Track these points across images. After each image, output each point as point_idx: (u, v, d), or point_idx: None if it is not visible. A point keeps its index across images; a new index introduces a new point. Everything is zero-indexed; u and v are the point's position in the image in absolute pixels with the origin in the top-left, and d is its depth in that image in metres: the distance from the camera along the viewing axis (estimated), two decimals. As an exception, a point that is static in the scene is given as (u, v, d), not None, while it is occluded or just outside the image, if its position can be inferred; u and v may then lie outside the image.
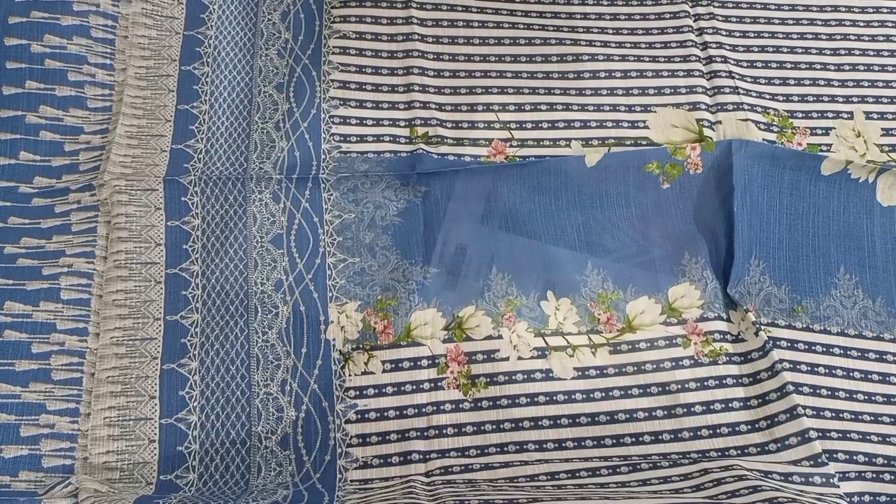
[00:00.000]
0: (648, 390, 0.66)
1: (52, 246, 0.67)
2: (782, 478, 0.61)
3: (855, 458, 0.64)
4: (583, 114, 0.75)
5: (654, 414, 0.65)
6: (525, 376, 0.67)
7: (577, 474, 0.62)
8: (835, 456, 0.64)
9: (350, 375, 0.66)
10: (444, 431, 0.64)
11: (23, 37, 0.72)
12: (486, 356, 0.67)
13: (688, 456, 0.63)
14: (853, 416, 0.66)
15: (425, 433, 0.64)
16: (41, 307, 0.65)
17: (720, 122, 0.75)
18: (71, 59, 0.73)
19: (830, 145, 0.75)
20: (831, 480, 0.61)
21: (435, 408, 0.65)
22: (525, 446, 0.64)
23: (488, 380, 0.66)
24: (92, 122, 0.72)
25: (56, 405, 0.63)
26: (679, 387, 0.66)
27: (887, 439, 0.65)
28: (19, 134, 0.70)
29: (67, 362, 0.64)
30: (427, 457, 0.63)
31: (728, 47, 0.79)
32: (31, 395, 0.63)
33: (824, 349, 0.69)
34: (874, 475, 0.63)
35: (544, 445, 0.64)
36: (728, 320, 0.69)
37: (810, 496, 0.58)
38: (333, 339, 0.66)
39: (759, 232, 0.72)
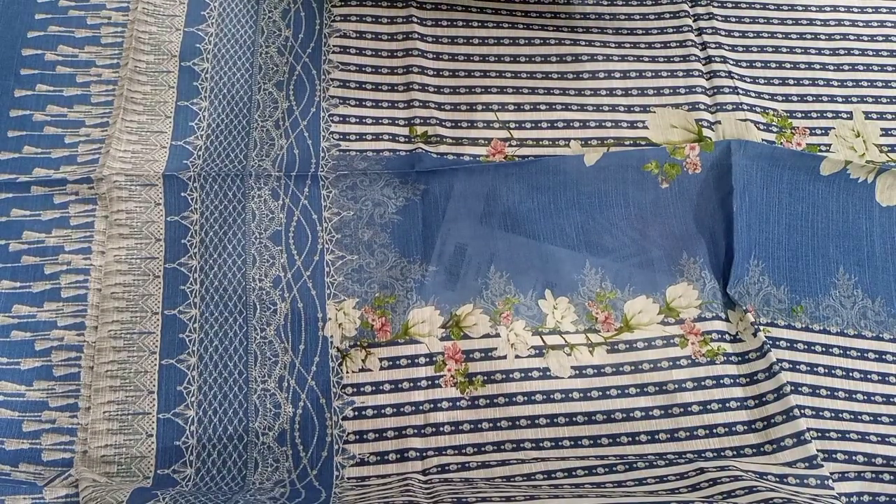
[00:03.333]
0: (645, 389, 0.66)
1: (51, 241, 0.68)
2: (777, 479, 0.60)
3: (854, 458, 0.64)
4: (582, 114, 0.76)
5: (650, 413, 0.65)
6: (522, 374, 0.67)
7: (574, 473, 0.62)
8: (834, 456, 0.64)
9: (348, 372, 0.66)
10: (441, 429, 0.64)
11: (39, 48, 0.75)
12: (483, 354, 0.67)
13: (683, 456, 0.63)
14: (852, 416, 0.66)
15: (422, 430, 0.64)
16: (45, 307, 0.66)
17: (719, 123, 0.75)
18: (81, 64, 0.75)
19: (830, 145, 0.75)
20: (826, 482, 0.61)
21: (432, 405, 0.65)
22: (522, 444, 0.64)
23: (486, 378, 0.66)
24: (93, 115, 0.73)
25: (58, 402, 0.63)
26: (676, 386, 0.66)
27: (886, 439, 0.64)
28: (25, 131, 0.72)
29: (66, 357, 0.65)
30: (424, 454, 0.63)
31: (727, 47, 0.79)
32: (35, 394, 0.63)
33: (823, 349, 0.68)
34: (873, 475, 0.63)
35: (541, 444, 0.64)
36: (726, 320, 0.69)
37: (805, 497, 0.58)
38: (331, 336, 0.67)
39: (758, 232, 0.72)
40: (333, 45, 0.77)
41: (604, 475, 0.62)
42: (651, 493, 0.59)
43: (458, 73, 0.77)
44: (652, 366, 0.67)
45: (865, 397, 0.67)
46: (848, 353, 0.68)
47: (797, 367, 0.67)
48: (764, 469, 0.61)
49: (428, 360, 0.67)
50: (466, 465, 0.63)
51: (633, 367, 0.67)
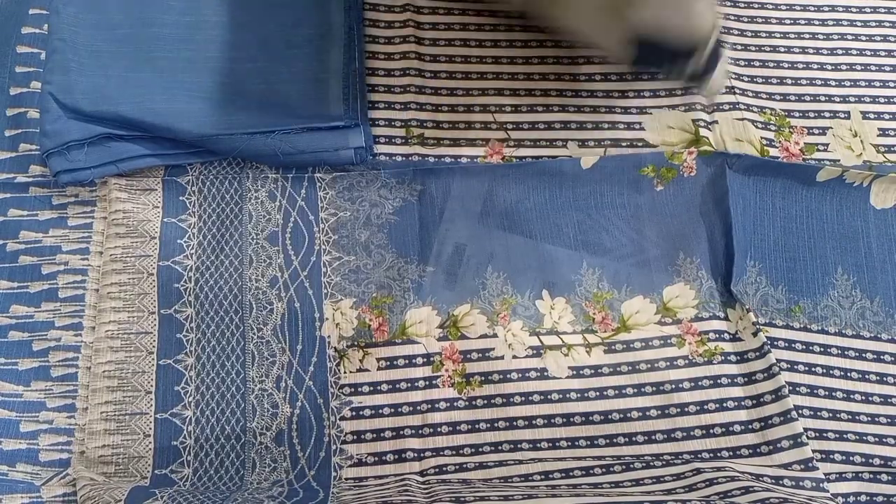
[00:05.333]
0: (643, 390, 0.66)
1: (48, 240, 0.69)
2: (773, 481, 0.60)
3: (851, 458, 0.64)
4: (579, 115, 0.76)
5: (647, 414, 0.65)
6: (520, 375, 0.66)
7: (571, 473, 0.62)
8: (831, 457, 0.63)
9: (345, 372, 0.66)
10: (439, 430, 0.64)
11: (34, 45, 0.75)
12: (481, 355, 0.67)
13: (680, 456, 0.63)
14: (850, 417, 0.65)
15: (420, 431, 0.64)
16: (42, 308, 0.66)
17: (716, 122, 0.75)
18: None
19: (828, 145, 0.75)
20: (821, 485, 0.61)
21: (430, 406, 0.65)
22: (519, 445, 0.64)
23: (483, 378, 0.66)
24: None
25: (56, 402, 0.64)
26: (673, 386, 0.66)
27: (884, 440, 0.64)
28: (20, 129, 0.72)
29: (63, 358, 0.65)
30: (422, 455, 0.63)
31: (726, 45, 0.79)
32: (33, 394, 0.64)
33: (822, 349, 0.68)
34: (871, 476, 0.63)
35: (538, 444, 0.64)
36: (725, 319, 0.69)
37: (801, 498, 0.58)
38: (328, 336, 0.67)
39: (753, 234, 0.72)
40: (331, 47, 0.78)
41: (601, 475, 0.62)
42: (648, 494, 0.59)
43: (456, 75, 0.77)
44: (649, 366, 0.67)
45: (863, 398, 0.66)
46: (846, 353, 0.68)
47: (795, 367, 0.67)
48: (760, 471, 0.61)
49: (425, 360, 0.67)
50: (464, 465, 0.63)
51: (630, 368, 0.67)
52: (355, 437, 0.64)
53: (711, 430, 0.64)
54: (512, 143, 0.74)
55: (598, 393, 0.66)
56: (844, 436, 0.65)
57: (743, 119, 0.75)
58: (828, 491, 0.60)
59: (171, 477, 0.61)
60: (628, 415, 0.65)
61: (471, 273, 0.70)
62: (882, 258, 0.71)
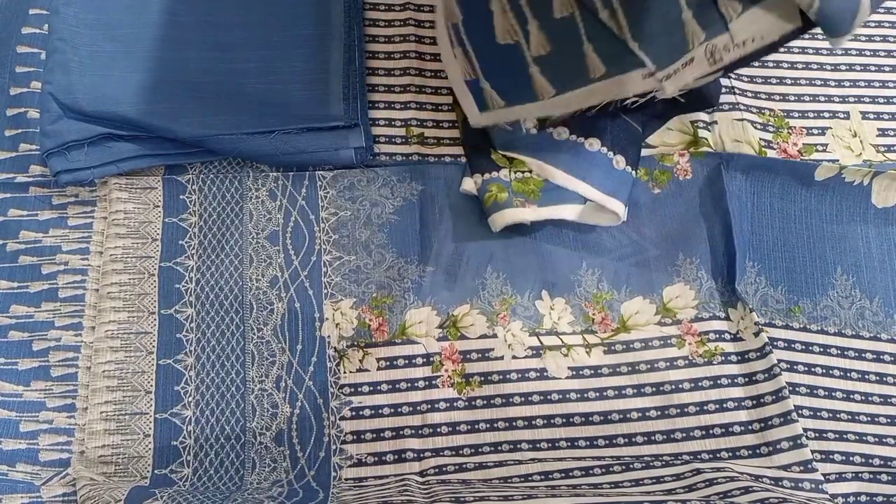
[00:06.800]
0: (642, 390, 0.66)
1: (48, 240, 0.69)
2: (772, 482, 0.60)
3: (851, 458, 0.64)
4: (579, 114, 0.75)
5: (647, 414, 0.65)
6: (519, 375, 0.66)
7: (571, 474, 0.62)
8: (831, 457, 0.63)
9: (345, 372, 0.66)
10: (439, 430, 0.64)
11: (34, 45, 0.74)
12: (480, 355, 0.67)
13: (679, 457, 0.63)
14: (850, 417, 0.65)
15: (420, 431, 0.64)
16: (42, 307, 0.67)
17: (716, 122, 0.75)
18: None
19: (826, 145, 0.75)
20: (820, 486, 0.61)
21: (429, 406, 0.65)
22: (519, 445, 0.64)
23: (483, 378, 0.66)
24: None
25: (55, 402, 0.64)
26: (673, 387, 0.66)
27: (883, 440, 0.64)
28: (20, 129, 0.72)
29: (63, 358, 0.65)
30: (421, 455, 0.63)
31: None
32: (33, 394, 0.64)
33: (821, 349, 0.68)
34: (871, 476, 0.63)
35: (538, 445, 0.64)
36: (727, 318, 0.69)
37: (800, 498, 0.58)
38: (328, 337, 0.67)
39: (751, 235, 0.72)
40: (331, 47, 0.78)
41: (601, 476, 0.62)
42: (648, 494, 0.59)
43: (456, 74, 0.77)
44: (649, 366, 0.67)
45: (863, 398, 0.66)
46: (846, 353, 0.68)
47: (795, 367, 0.67)
48: (759, 472, 0.61)
49: (425, 360, 0.67)
50: (464, 465, 0.63)
51: (630, 368, 0.67)
52: (355, 437, 0.64)
53: (711, 431, 0.64)
54: (512, 143, 0.74)
55: (597, 393, 0.66)
56: (844, 436, 0.65)
57: (742, 119, 0.75)
58: (827, 492, 0.60)
59: (171, 477, 0.61)
60: (628, 415, 0.65)
61: (471, 273, 0.70)
62: (881, 258, 0.71)
